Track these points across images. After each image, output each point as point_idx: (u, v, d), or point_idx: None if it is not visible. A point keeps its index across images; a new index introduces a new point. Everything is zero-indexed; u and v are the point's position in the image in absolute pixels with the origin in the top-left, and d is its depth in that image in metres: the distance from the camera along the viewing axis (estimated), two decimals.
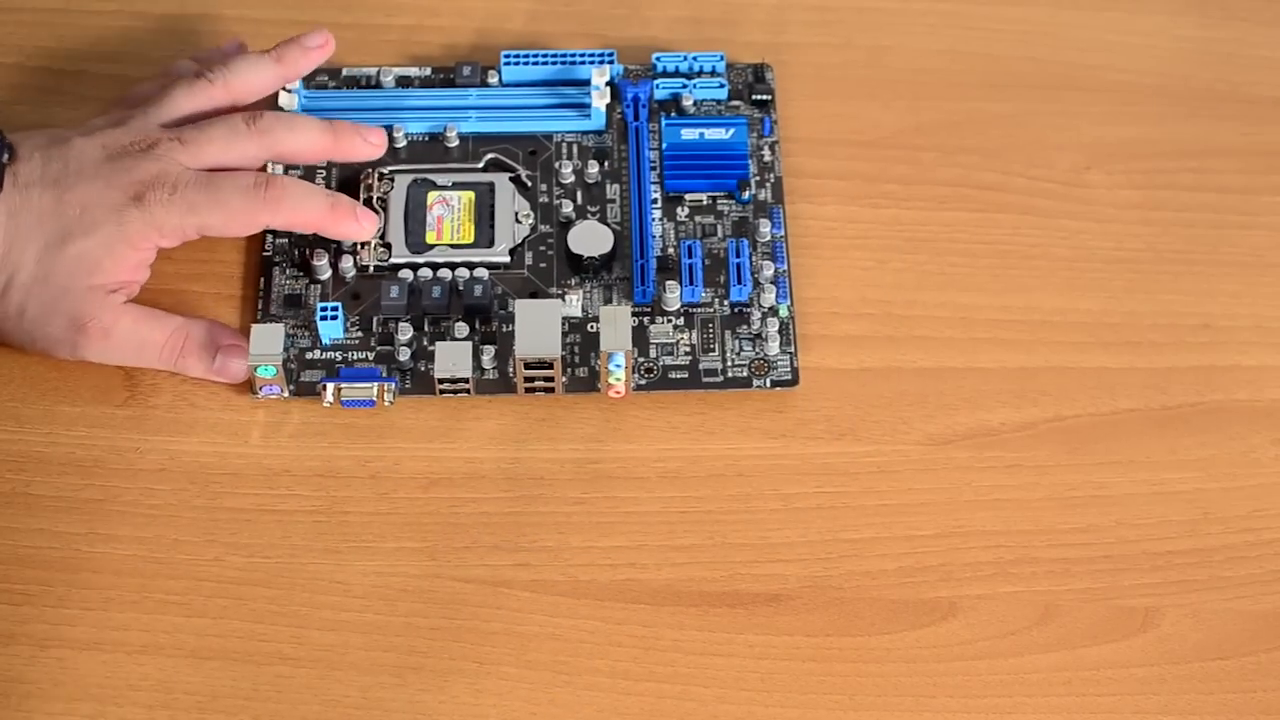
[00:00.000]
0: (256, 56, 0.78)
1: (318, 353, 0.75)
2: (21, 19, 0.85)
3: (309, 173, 0.79)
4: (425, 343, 0.75)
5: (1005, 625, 0.69)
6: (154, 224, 0.72)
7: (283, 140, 0.76)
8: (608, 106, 0.81)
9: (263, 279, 0.76)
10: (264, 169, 0.77)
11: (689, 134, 0.80)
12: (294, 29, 0.84)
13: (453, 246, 0.77)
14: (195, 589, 0.69)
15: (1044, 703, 0.67)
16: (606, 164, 0.80)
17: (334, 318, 0.74)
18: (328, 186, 0.78)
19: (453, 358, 0.73)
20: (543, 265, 0.77)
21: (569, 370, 0.74)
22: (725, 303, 0.76)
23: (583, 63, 0.82)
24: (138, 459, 0.72)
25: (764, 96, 0.82)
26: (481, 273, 0.76)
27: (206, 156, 0.74)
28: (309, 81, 0.81)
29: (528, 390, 0.73)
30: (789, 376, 0.74)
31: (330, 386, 0.73)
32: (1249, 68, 0.85)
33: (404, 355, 0.74)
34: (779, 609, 0.69)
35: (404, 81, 0.82)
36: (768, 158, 0.80)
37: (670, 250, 0.77)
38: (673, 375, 0.74)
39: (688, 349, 0.75)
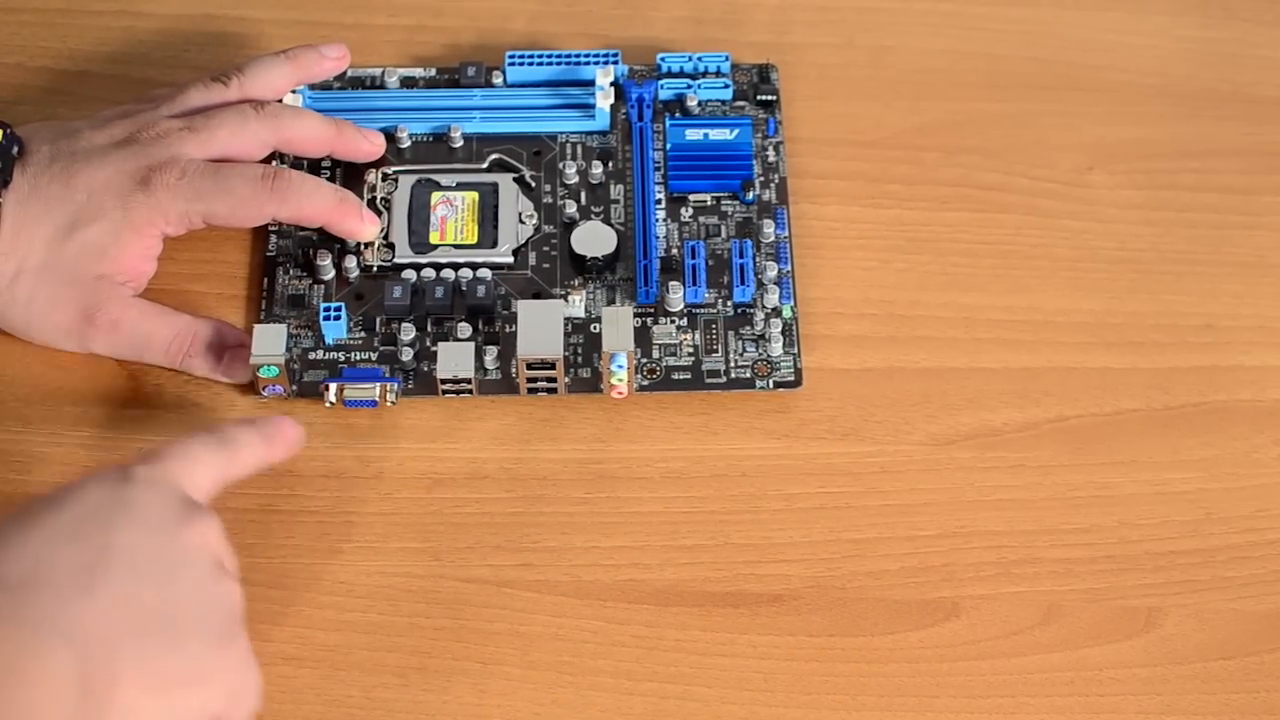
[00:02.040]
0: (271, 58, 0.78)
1: (321, 353, 0.75)
2: (24, 19, 0.85)
3: (313, 172, 0.79)
4: (428, 343, 0.75)
5: (1008, 625, 0.69)
6: (159, 209, 0.72)
7: (289, 126, 0.76)
8: (612, 107, 0.81)
9: (266, 279, 0.77)
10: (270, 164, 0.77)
11: (693, 134, 0.80)
12: (297, 29, 0.84)
13: (456, 247, 0.77)
14: None
15: (1047, 703, 0.67)
16: (610, 164, 0.80)
17: (337, 318, 0.74)
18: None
19: (455, 358, 0.73)
20: (546, 266, 0.77)
21: (571, 371, 0.74)
22: (729, 303, 0.76)
23: (587, 63, 0.82)
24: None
25: (769, 97, 0.82)
26: (484, 273, 0.76)
27: (216, 142, 0.74)
28: (313, 83, 0.81)
29: (530, 391, 0.73)
30: (792, 378, 0.74)
31: (333, 387, 0.73)
32: (1251, 68, 0.85)
33: (407, 355, 0.74)
34: (782, 609, 0.69)
35: (408, 82, 0.83)
36: (772, 158, 0.80)
37: (674, 251, 0.77)
38: (675, 376, 0.74)
39: (691, 350, 0.75)
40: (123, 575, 0.59)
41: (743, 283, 0.76)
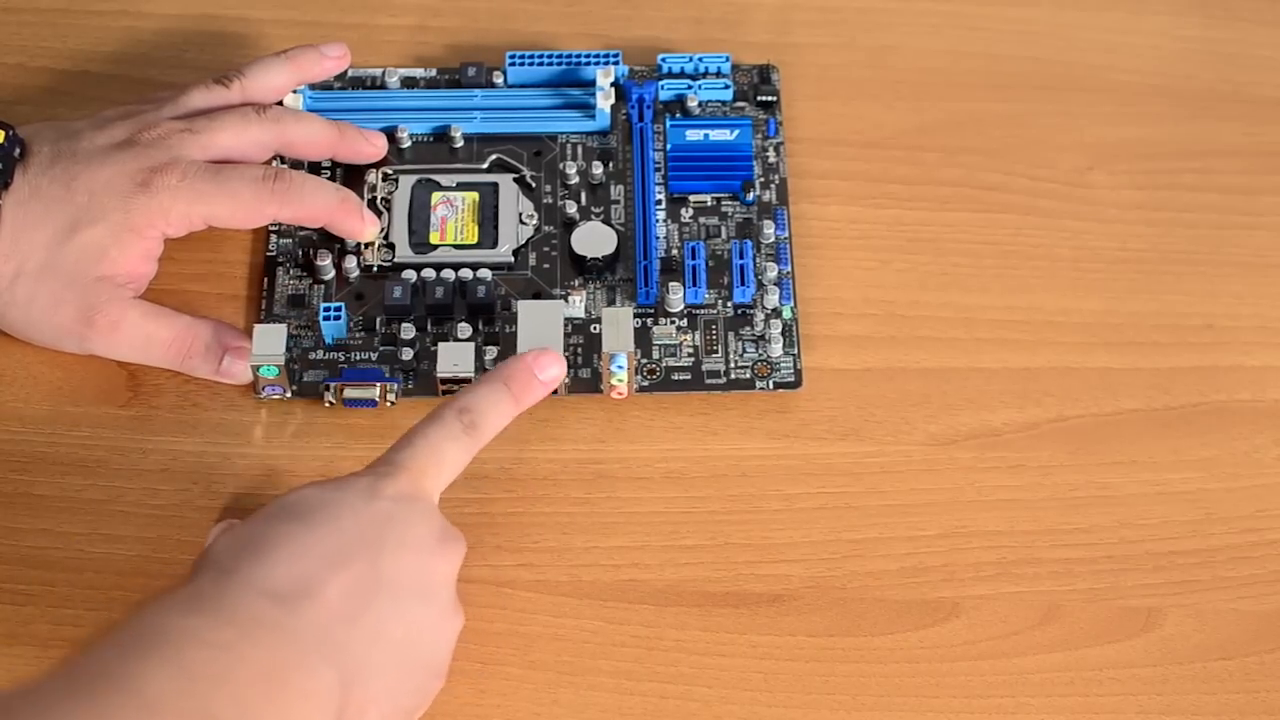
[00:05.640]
0: (271, 59, 0.78)
1: (320, 353, 0.75)
2: (24, 19, 0.85)
3: (314, 172, 0.79)
4: (428, 343, 0.75)
5: (1008, 625, 0.69)
6: (160, 211, 0.72)
7: (291, 129, 0.76)
8: (612, 107, 0.81)
9: (266, 279, 0.77)
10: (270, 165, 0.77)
11: (693, 135, 0.80)
12: (298, 29, 0.84)
13: (456, 247, 0.77)
14: None
15: (1047, 703, 0.67)
16: (611, 165, 0.80)
17: (337, 318, 0.74)
18: None
19: (455, 358, 0.73)
20: (546, 266, 0.77)
21: (571, 371, 0.74)
22: (728, 304, 0.76)
23: (588, 63, 0.82)
24: (141, 459, 0.72)
25: (769, 98, 0.82)
26: (485, 273, 0.76)
27: (217, 144, 0.74)
28: (314, 83, 0.81)
29: None
30: (792, 379, 0.74)
31: (332, 387, 0.73)
32: (1252, 68, 0.85)
33: (407, 355, 0.74)
34: (782, 609, 0.69)
35: (409, 82, 0.83)
36: (772, 159, 0.80)
37: (674, 251, 0.77)
38: (675, 377, 0.74)
39: (690, 350, 0.75)
40: (382, 605, 0.62)
41: (743, 284, 0.76)
